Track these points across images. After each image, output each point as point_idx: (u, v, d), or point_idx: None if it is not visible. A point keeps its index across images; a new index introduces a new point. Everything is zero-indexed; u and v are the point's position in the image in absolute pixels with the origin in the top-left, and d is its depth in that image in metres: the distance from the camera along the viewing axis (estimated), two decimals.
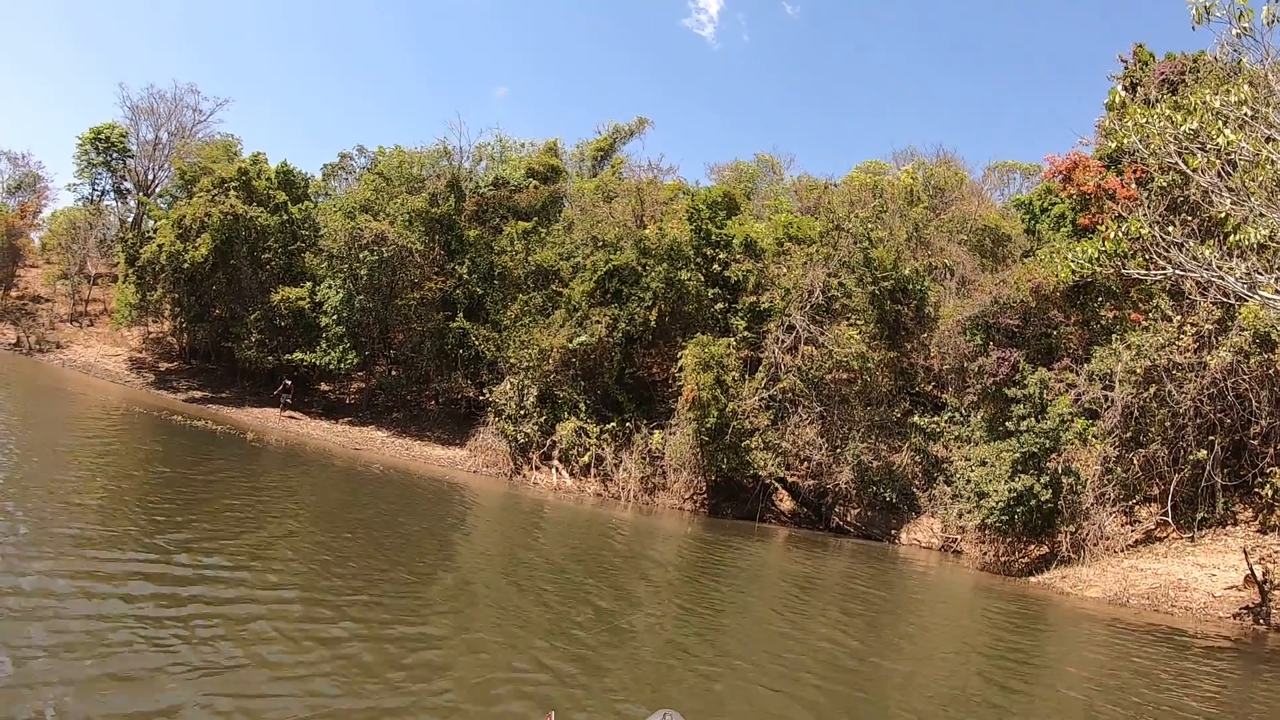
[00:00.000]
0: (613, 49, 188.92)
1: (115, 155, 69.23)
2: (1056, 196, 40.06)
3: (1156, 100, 15.35)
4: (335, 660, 11.24)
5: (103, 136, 68.32)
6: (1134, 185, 33.26)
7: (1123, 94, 16.28)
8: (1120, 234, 15.16)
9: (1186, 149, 13.82)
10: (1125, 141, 14.08)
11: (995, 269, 43.79)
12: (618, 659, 13.43)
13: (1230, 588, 25.01)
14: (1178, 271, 15.74)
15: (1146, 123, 14.03)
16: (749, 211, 52.24)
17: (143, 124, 71.78)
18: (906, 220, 46.50)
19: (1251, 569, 24.46)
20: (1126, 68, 39.21)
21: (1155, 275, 16.86)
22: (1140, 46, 39.46)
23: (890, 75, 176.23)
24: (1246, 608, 23.98)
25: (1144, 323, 32.14)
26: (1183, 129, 13.06)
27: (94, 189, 70.77)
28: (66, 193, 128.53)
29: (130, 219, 69.69)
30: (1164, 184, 30.70)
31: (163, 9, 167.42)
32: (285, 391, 49.47)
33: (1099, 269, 16.16)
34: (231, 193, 50.96)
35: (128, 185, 71.10)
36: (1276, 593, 24.00)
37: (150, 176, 71.74)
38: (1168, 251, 15.42)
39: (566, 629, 14.63)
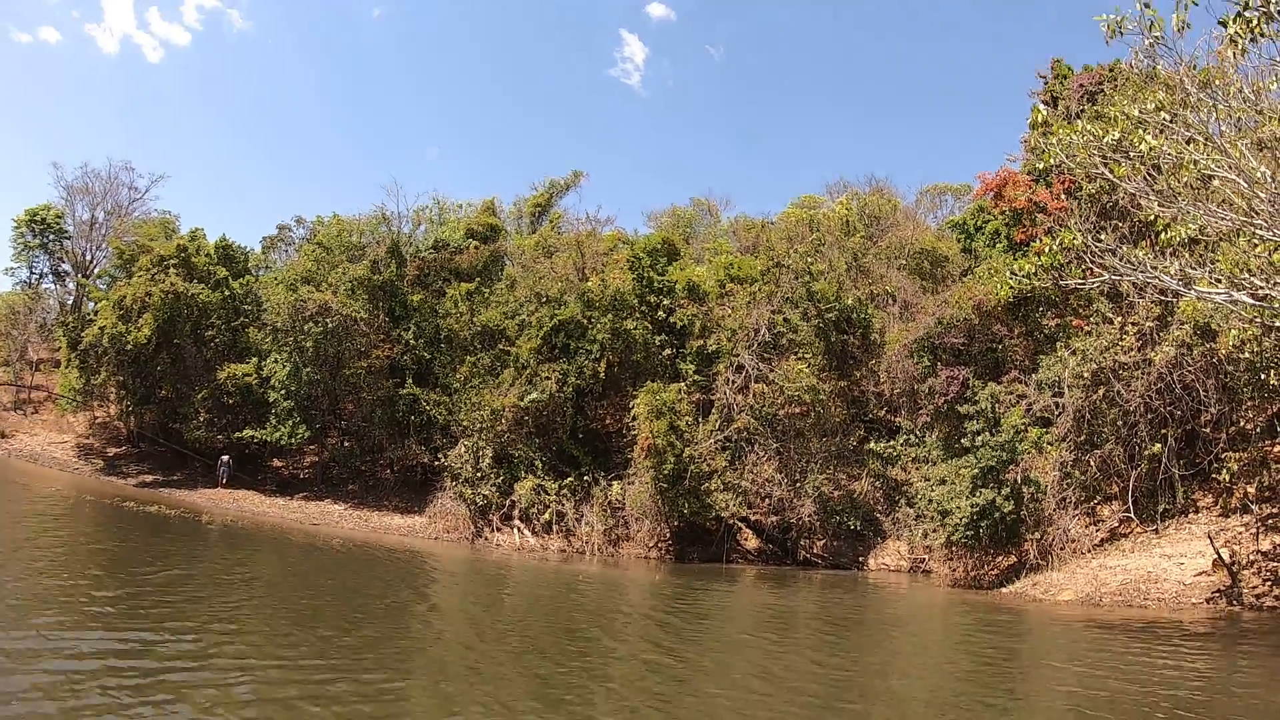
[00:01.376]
0: (542, 103, 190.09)
1: (52, 237, 68.86)
2: (989, 214, 40.56)
3: (1079, 112, 15.59)
4: None
5: (38, 218, 67.98)
6: (1063, 196, 33.71)
7: (1045, 110, 16.47)
8: (1055, 247, 15.32)
9: (1111, 159, 14.02)
10: (1052, 159, 14.29)
11: (936, 290, 44.23)
12: (605, 711, 13.23)
13: (1200, 574, 25.15)
14: (1114, 276, 15.93)
15: (1070, 139, 14.23)
16: (689, 255, 52.54)
17: (78, 204, 71.73)
18: (845, 251, 46.95)
19: (1218, 553, 24.70)
20: (1046, 83, 39.94)
21: (1093, 282, 17.10)
22: (1058, 61, 40.23)
23: (818, 109, 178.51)
24: (1218, 591, 24.13)
25: (1086, 328, 32.50)
26: (1106, 140, 13.26)
27: (31, 272, 70.42)
28: (3, 277, 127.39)
29: (70, 301, 69.09)
30: (1092, 192, 31.17)
31: (92, 88, 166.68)
32: (224, 466, 48.94)
33: (1037, 282, 16.31)
34: (171, 271, 50.41)
35: (66, 267, 70.67)
36: (1245, 573, 24.22)
37: (89, 257, 71.32)
38: (1102, 258, 15.60)
39: (545, 686, 14.42)
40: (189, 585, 21.46)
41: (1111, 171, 13.77)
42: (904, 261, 48.59)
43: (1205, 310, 24.09)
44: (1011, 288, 17.11)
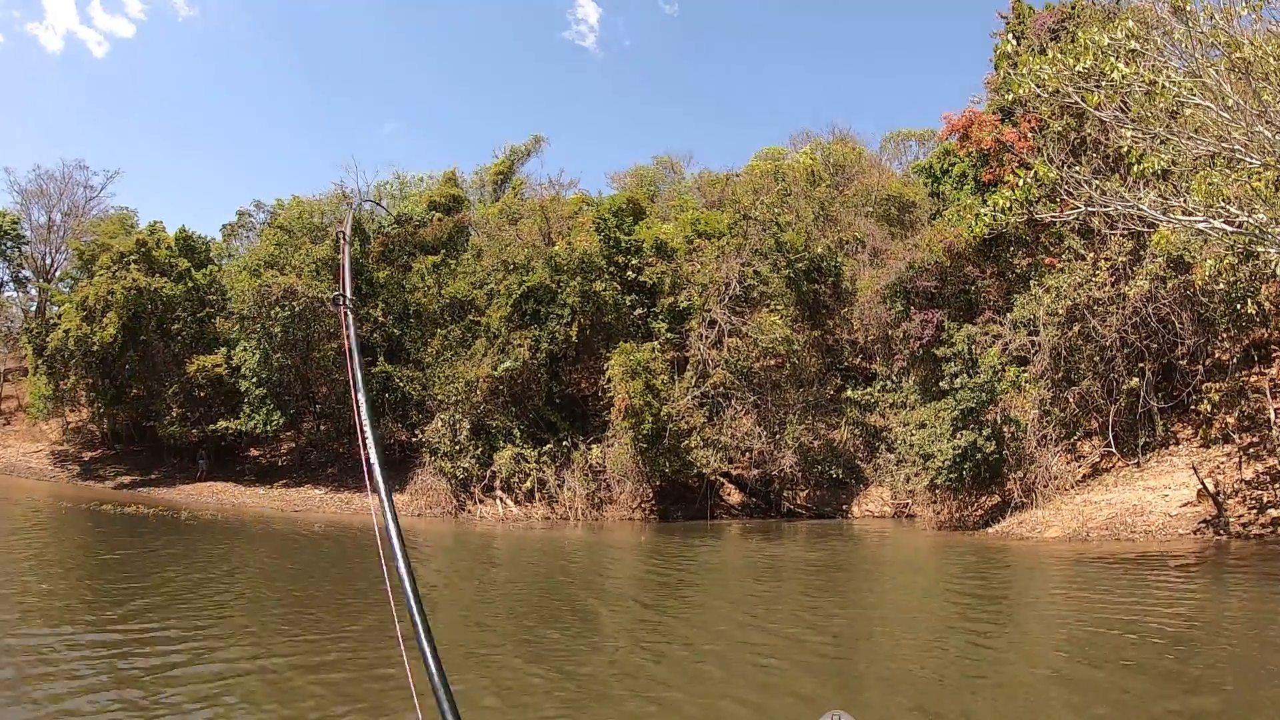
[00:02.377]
0: (496, 71, 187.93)
1: (9, 244, 67.68)
2: (956, 156, 40.29)
3: (1042, 49, 15.32)
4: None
5: None
6: (1030, 134, 33.52)
7: (1013, 43, 16.31)
8: (1029, 180, 15.13)
9: (1083, 88, 13.81)
10: (1023, 90, 14.03)
11: (905, 236, 44.19)
12: (605, 677, 13.08)
13: (1185, 505, 25.33)
14: (1089, 208, 15.78)
15: (1041, 70, 14.01)
16: (655, 214, 52.20)
17: (34, 208, 70.64)
18: (811, 201, 46.76)
19: (1203, 483, 24.88)
20: (1008, 23, 39.55)
21: (1068, 215, 16.98)
22: (1018, 1, 39.85)
23: (776, 59, 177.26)
24: (1205, 521, 24.28)
25: (1059, 265, 32.42)
26: (1077, 69, 13.04)
27: None
28: None
29: (34, 308, 68.06)
30: (1059, 129, 31.03)
31: (39, 88, 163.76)
32: (202, 459, 48.62)
33: (1012, 218, 16.13)
34: (132, 266, 49.63)
35: (26, 273, 69.60)
36: (1230, 502, 24.37)
37: (49, 261, 70.26)
38: (1077, 190, 15.44)
39: (541, 654, 14.26)
40: (172, 583, 21.16)
41: (1084, 100, 13.54)
42: (871, 209, 48.52)
43: (1178, 242, 24.04)
44: (986, 224, 16.91)
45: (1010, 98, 15.43)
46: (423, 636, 3.16)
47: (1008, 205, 15.23)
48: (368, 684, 12.32)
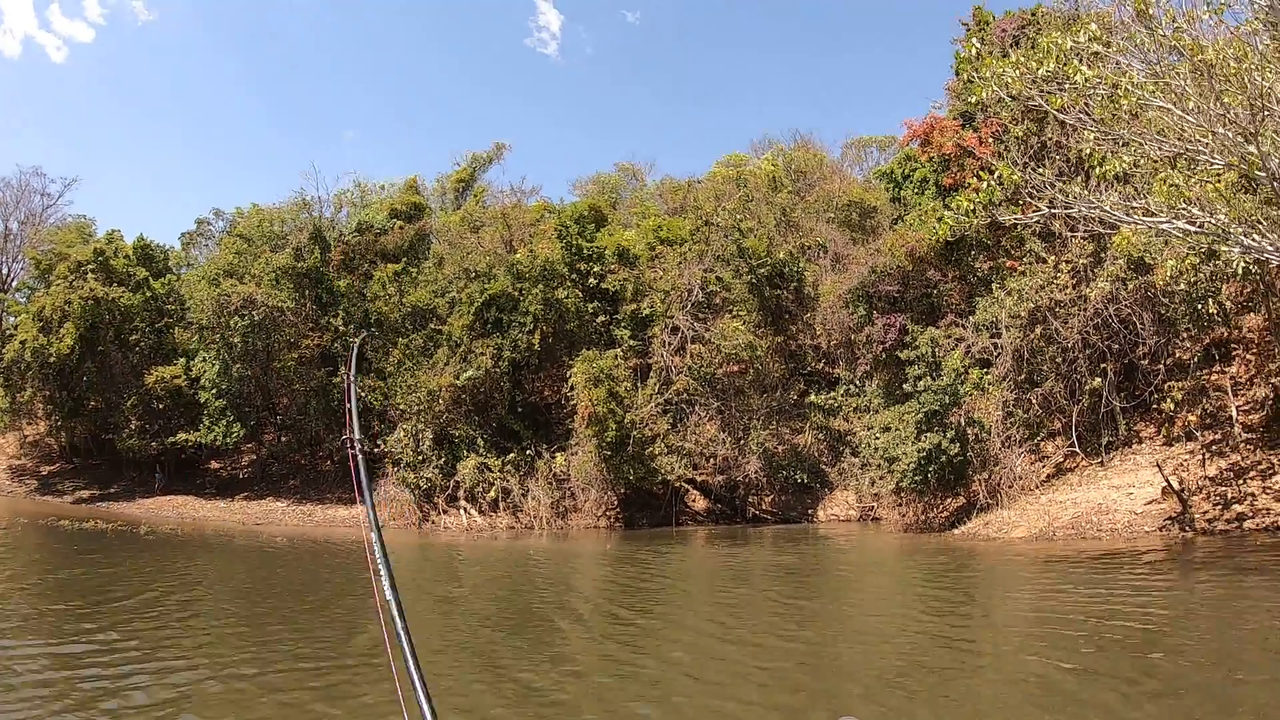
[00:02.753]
0: (458, 78, 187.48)
1: None
2: (917, 162, 40.41)
3: (1005, 53, 15.37)
4: None
5: None
6: (991, 140, 33.70)
7: (977, 45, 16.36)
8: (992, 183, 15.14)
9: (1046, 91, 13.82)
10: (986, 94, 14.02)
11: (866, 241, 44.23)
12: (568, 689, 12.93)
13: (1150, 502, 25.48)
14: (1052, 210, 15.82)
15: (1004, 72, 14.01)
16: (617, 221, 52.05)
17: None
18: (773, 207, 46.88)
19: (1168, 481, 25.00)
20: (968, 30, 39.74)
21: (1031, 218, 17.01)
22: (979, 8, 40.08)
23: (737, 67, 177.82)
24: (1170, 518, 24.41)
25: (1020, 268, 32.62)
26: (1040, 72, 13.06)
27: None
28: None
29: None
30: (1020, 134, 31.20)
31: None
32: (159, 473, 48.07)
33: (975, 220, 16.14)
34: (90, 276, 49.04)
35: None
36: (1195, 499, 24.54)
37: (5, 270, 69.26)
38: (1041, 192, 15.47)
39: (507, 667, 14.09)
40: (129, 598, 20.83)
41: (1048, 103, 13.55)
42: (833, 214, 48.53)
43: (1139, 244, 24.22)
44: (950, 227, 16.90)
45: (974, 100, 15.38)
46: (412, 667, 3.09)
47: (971, 208, 15.23)
48: (323, 705, 12.14)
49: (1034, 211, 16.09)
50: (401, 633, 3.01)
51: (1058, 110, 13.80)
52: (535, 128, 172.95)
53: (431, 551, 33.47)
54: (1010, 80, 13.49)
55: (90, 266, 49.61)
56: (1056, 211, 15.73)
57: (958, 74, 38.94)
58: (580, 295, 42.65)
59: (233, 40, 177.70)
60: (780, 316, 42.76)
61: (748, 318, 40.60)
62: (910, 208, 39.86)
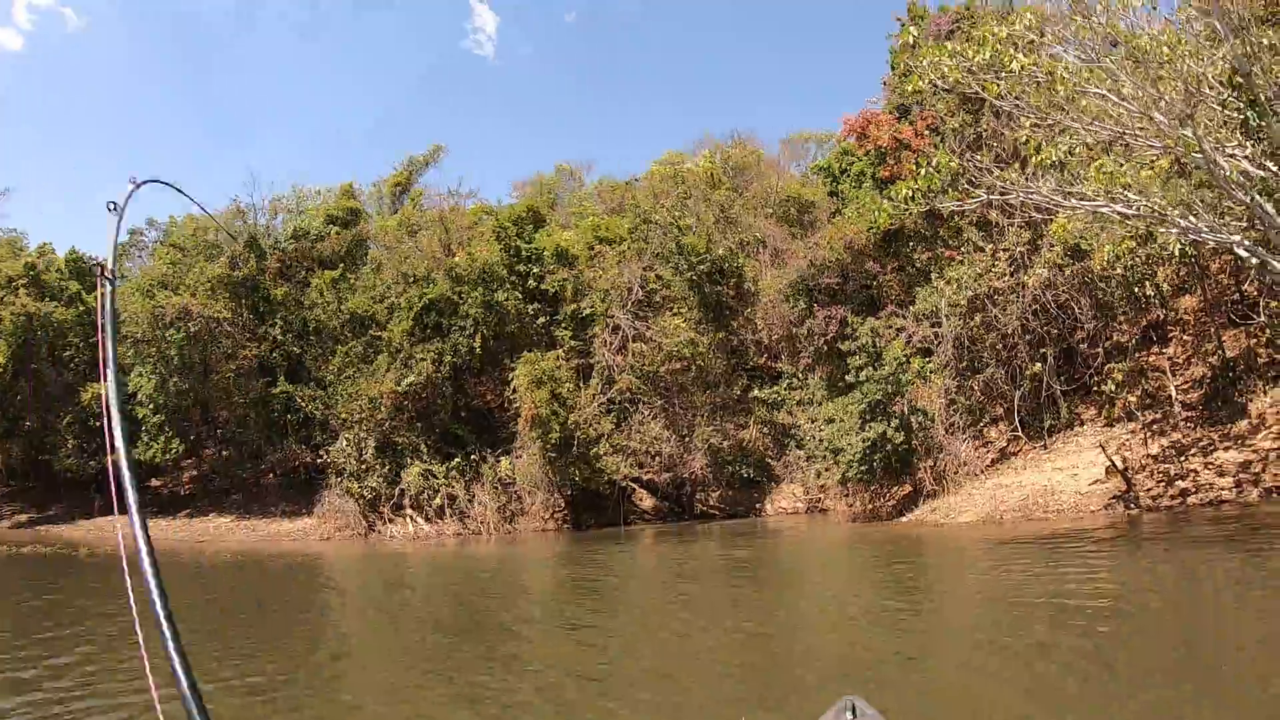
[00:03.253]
0: (395, 81, 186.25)
1: None
2: (854, 155, 40.59)
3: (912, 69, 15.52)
4: None
5: None
6: (927, 132, 33.99)
7: (914, 32, 16.50)
8: (931, 169, 15.20)
9: (983, 79, 13.87)
10: (924, 82, 14.07)
11: (805, 236, 44.43)
12: (521, 691, 12.75)
13: (1094, 482, 25.82)
14: (990, 197, 15.91)
15: (940, 61, 14.04)
16: (556, 222, 51.87)
17: None
18: (711, 204, 46.91)
19: (1111, 460, 25.41)
20: (903, 25, 39.98)
21: (970, 204, 17.10)
22: (913, 4, 40.36)
23: (676, 67, 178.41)
24: (1115, 496, 24.76)
25: (958, 258, 32.86)
26: (977, 60, 13.11)
27: None
28: None
29: None
30: (955, 126, 31.51)
31: None
32: (97, 493, 47.14)
33: (915, 207, 16.20)
34: (21, 291, 48.03)
35: None
36: (1138, 477, 24.85)
37: None
38: (979, 179, 15.55)
39: (460, 670, 13.90)
40: (71, 623, 20.35)
41: (985, 90, 13.62)
42: (771, 210, 48.77)
43: (1075, 230, 24.48)
44: (890, 214, 16.98)
45: (910, 90, 15.44)
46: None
47: (910, 195, 15.30)
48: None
49: (973, 199, 16.18)
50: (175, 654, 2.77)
51: (995, 98, 13.87)
52: (473, 130, 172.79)
53: (378, 562, 33.12)
54: (948, 69, 13.55)
55: (21, 281, 48.61)
56: (995, 198, 15.83)
57: (893, 67, 39.24)
58: (520, 297, 42.41)
59: (164, 47, 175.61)
60: (721, 313, 42.78)
61: (688, 315, 40.58)
62: (848, 201, 40.04)
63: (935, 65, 13.74)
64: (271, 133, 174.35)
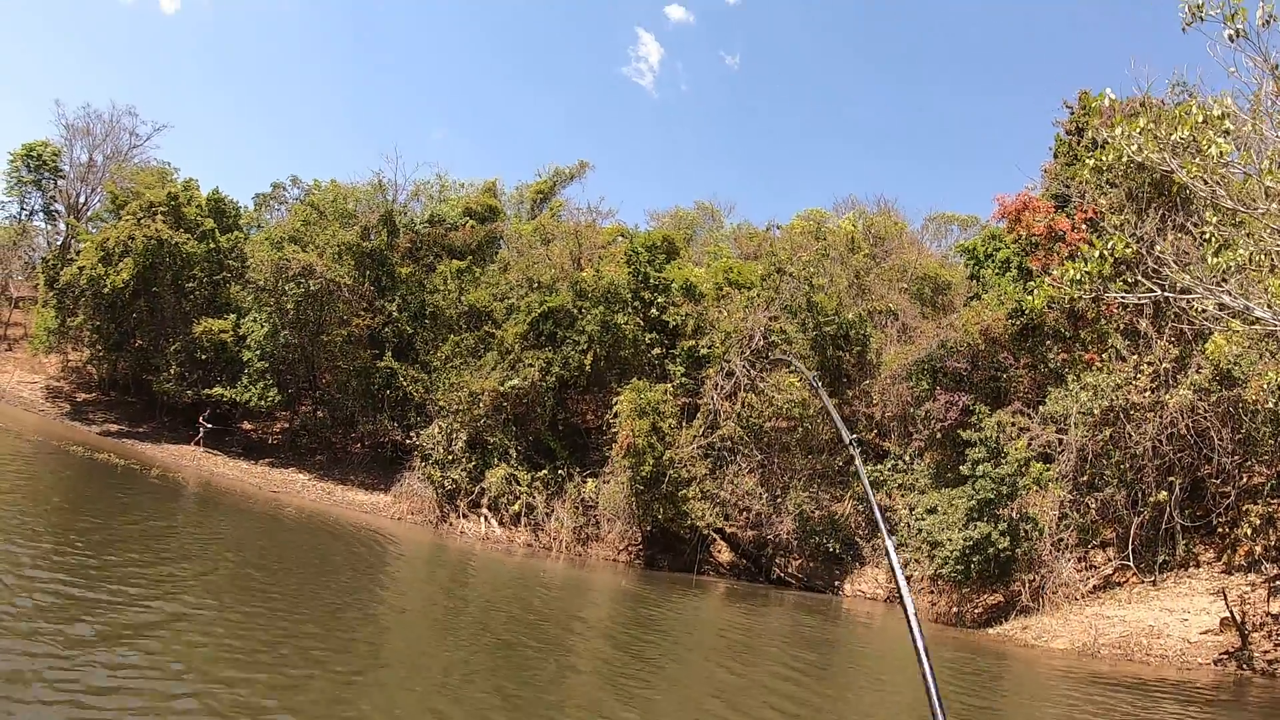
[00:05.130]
0: (553, 95, 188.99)
1: (47, 174, 67.50)
2: (1001, 241, 39.28)
3: (1105, 142, 14.45)
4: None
5: (35, 153, 66.47)
6: (1084, 226, 32.55)
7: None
8: (1105, 251, 14.11)
9: (1178, 161, 12.84)
10: (1109, 157, 13.04)
11: (936, 317, 43.15)
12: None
13: (1206, 632, 24.11)
14: (1165, 294, 14.79)
15: (1133, 134, 13.03)
16: (688, 257, 51.28)
17: (77, 144, 69.80)
18: (848, 267, 45.84)
19: (1230, 611, 23.56)
20: (1072, 113, 38.66)
21: (1142, 297, 15.96)
22: (1085, 93, 38.94)
23: (829, 128, 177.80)
24: (1227, 652, 23.05)
25: (1098, 363, 31.30)
26: (1174, 138, 12.09)
27: (23, 208, 68.95)
28: None
29: (60, 242, 67.27)
30: (1117, 221, 30.08)
31: (107, 34, 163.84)
32: (202, 425, 47.41)
33: (1077, 292, 15.11)
34: (158, 217, 48.67)
35: (58, 207, 69.15)
36: (1255, 635, 23.10)
37: (82, 199, 69.51)
38: (1158, 270, 14.49)
39: (495, 693, 13.11)
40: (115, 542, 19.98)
41: (1183, 168, 12.50)
42: (906, 285, 47.55)
43: (1230, 354, 22.98)
44: (1048, 295, 15.88)
45: (1091, 164, 14.45)
46: None
47: (1078, 277, 14.21)
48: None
49: (1144, 292, 15.02)
50: None
51: (1192, 179, 12.73)
52: (620, 153, 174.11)
53: (444, 554, 32.67)
54: (1141, 143, 12.48)
55: (161, 208, 49.31)
56: (1172, 295, 14.65)
57: (1056, 156, 37.90)
58: (640, 324, 41.82)
59: (343, 23, 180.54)
60: (839, 379, 41.64)
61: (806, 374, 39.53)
62: (988, 287, 38.69)
63: (1127, 137, 12.67)
64: (427, 122, 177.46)
